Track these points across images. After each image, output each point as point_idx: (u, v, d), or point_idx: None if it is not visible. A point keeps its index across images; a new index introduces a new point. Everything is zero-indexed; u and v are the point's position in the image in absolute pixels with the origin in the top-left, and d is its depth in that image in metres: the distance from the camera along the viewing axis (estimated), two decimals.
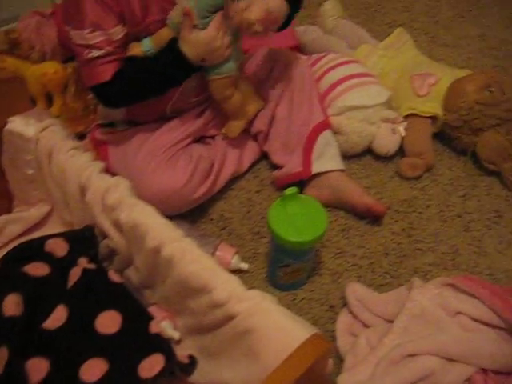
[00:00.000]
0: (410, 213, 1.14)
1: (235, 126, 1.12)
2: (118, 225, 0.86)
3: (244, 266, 1.03)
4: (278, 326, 0.69)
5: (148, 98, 1.02)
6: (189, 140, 1.12)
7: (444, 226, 1.12)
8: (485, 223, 1.13)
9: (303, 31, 1.46)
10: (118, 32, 0.94)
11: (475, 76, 1.23)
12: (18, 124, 0.97)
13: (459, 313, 0.85)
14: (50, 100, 1.30)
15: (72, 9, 0.93)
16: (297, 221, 0.90)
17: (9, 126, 0.97)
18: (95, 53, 0.94)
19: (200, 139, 1.17)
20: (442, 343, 0.81)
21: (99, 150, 1.14)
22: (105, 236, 0.91)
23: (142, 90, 1.00)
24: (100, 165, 0.93)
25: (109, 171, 1.07)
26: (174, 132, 1.10)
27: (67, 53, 1.36)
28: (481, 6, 1.68)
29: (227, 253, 1.02)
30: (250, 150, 1.21)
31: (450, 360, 0.81)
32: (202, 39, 0.94)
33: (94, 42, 0.93)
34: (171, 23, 0.98)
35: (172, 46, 0.96)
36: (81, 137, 1.22)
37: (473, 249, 1.08)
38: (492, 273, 1.05)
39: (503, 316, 0.82)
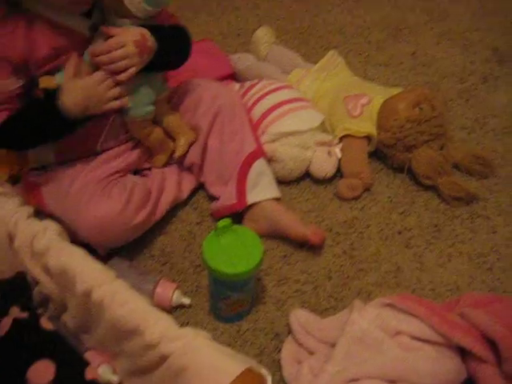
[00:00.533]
0: (351, 234, 1.15)
1: (158, 160, 1.14)
2: (47, 270, 0.84)
3: (186, 300, 1.01)
4: (210, 363, 0.67)
5: (40, 143, 1.02)
6: (123, 173, 1.11)
7: (385, 245, 1.13)
8: (425, 238, 1.14)
9: (237, 59, 1.47)
10: (12, 83, 0.94)
11: (405, 94, 1.25)
12: None
13: (399, 332, 0.85)
14: None
15: None
16: (231, 252, 0.89)
17: None
18: None
19: (136, 172, 1.16)
20: (382, 365, 0.81)
21: (33, 193, 1.10)
22: (37, 282, 0.88)
23: (28, 138, 1.00)
24: (28, 210, 0.90)
25: (45, 212, 1.06)
26: (107, 165, 1.08)
27: None
28: (410, 25, 1.72)
29: (168, 289, 1.00)
30: (188, 178, 1.20)
31: (392, 382, 0.81)
32: (80, 85, 0.94)
33: None
34: (86, 59, 0.97)
35: (50, 94, 0.95)
36: (14, 182, 1.19)
37: (414, 265, 1.09)
38: (434, 287, 1.06)
39: (441, 331, 0.83)
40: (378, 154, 1.29)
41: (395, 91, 1.30)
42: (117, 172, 1.08)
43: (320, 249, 1.11)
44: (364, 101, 1.27)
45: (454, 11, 1.79)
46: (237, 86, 1.34)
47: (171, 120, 1.11)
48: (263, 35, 1.51)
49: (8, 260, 0.90)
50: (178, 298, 1.00)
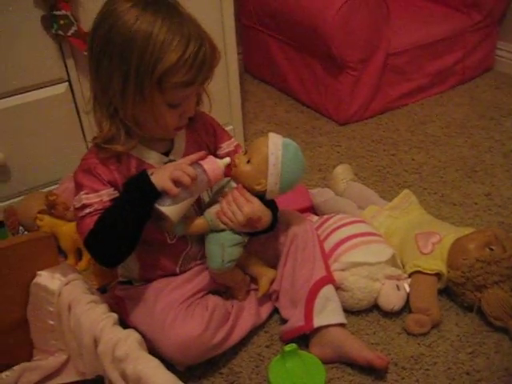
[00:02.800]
0: (417, 370, 1.14)
1: (239, 295, 1.23)
2: (124, 377, 0.91)
3: None
4: None
5: (131, 235, 1.05)
6: (203, 292, 1.20)
7: None
8: (494, 382, 1.12)
9: (316, 193, 1.57)
10: (109, 194, 1.06)
11: (476, 234, 1.29)
12: (44, 278, 1.07)
13: None
14: (79, 254, 1.42)
15: (75, 186, 1.08)
16: (296, 377, 0.93)
17: (36, 280, 1.08)
18: (86, 210, 1.04)
19: (215, 292, 1.24)
20: None
21: (119, 305, 1.21)
22: None
23: (118, 223, 1.03)
24: (114, 317, 1.00)
25: (129, 325, 1.14)
26: (188, 285, 1.18)
27: None
28: (486, 166, 1.78)
29: None
30: (267, 303, 1.27)
31: None
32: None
33: (87, 202, 1.04)
34: (208, 215, 1.11)
35: (141, 178, 1.04)
36: (103, 291, 1.32)
37: None
38: None
39: None
40: (448, 292, 1.30)
41: (467, 231, 1.34)
42: (198, 291, 1.18)
43: (385, 382, 1.12)
44: (435, 239, 1.32)
45: None
46: (315, 218, 1.44)
47: (251, 263, 1.23)
48: (342, 172, 1.62)
49: (92, 363, 0.98)
50: None
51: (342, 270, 1.25)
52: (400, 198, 1.49)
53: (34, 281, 1.08)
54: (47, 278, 1.07)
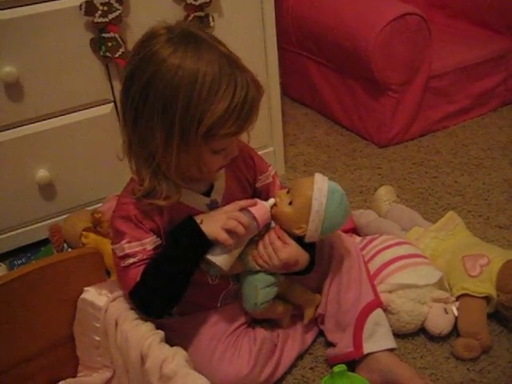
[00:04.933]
0: None
1: (282, 322, 1.22)
2: None
3: None
4: None
5: (180, 286, 1.02)
6: (248, 323, 1.18)
7: None
8: None
9: (359, 214, 1.56)
10: (152, 242, 1.02)
11: None
12: (91, 294, 1.08)
13: None
14: None
15: (113, 231, 1.05)
16: None
17: (83, 295, 1.09)
18: (130, 260, 1.01)
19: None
20: None
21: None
22: None
23: (167, 275, 1.01)
24: (161, 334, 1.00)
25: None
26: (232, 317, 1.16)
27: None
28: None
29: None
30: (312, 328, 1.25)
31: None
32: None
33: (129, 251, 1.01)
34: (244, 256, 1.09)
35: (189, 225, 1.01)
36: None
37: None
38: None
39: None
40: (498, 316, 1.26)
41: None
42: (242, 324, 1.16)
43: None
44: (483, 261, 1.28)
45: None
46: (358, 238, 1.42)
47: (294, 291, 1.20)
48: (385, 193, 1.61)
49: (138, 380, 0.98)
50: None
51: (389, 291, 1.22)
52: (445, 219, 1.46)
53: (81, 297, 1.09)
54: (94, 294, 1.08)
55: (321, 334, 1.26)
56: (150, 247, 1.02)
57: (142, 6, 1.44)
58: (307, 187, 1.07)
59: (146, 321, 1.03)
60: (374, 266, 1.29)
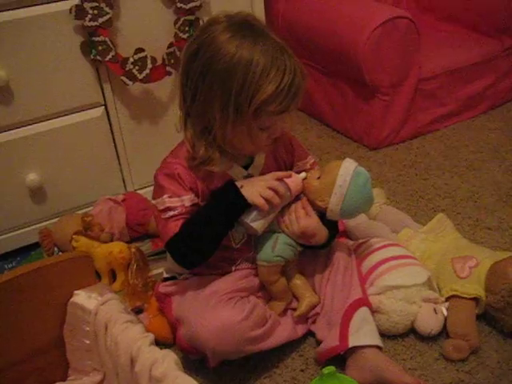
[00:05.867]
0: None
1: (276, 306, 1.23)
2: None
3: None
4: None
5: (215, 242, 1.12)
6: (247, 293, 1.20)
7: None
8: None
9: None
10: (190, 200, 1.12)
11: None
12: (81, 297, 1.09)
13: None
14: (113, 276, 1.43)
15: (155, 187, 1.15)
16: None
17: (73, 299, 1.09)
18: (170, 213, 1.11)
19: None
20: None
21: (164, 303, 1.24)
22: None
23: (205, 231, 1.11)
24: (151, 337, 1.00)
25: (169, 321, 1.21)
26: (234, 282, 1.19)
27: (133, 234, 1.52)
28: None
29: None
30: (302, 323, 1.26)
31: None
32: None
33: (170, 204, 1.11)
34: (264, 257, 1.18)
35: (229, 189, 1.11)
36: (138, 311, 1.32)
37: None
38: None
39: None
40: (487, 317, 1.27)
41: (504, 255, 1.31)
42: (242, 290, 1.19)
43: None
44: (472, 263, 1.29)
45: None
46: (350, 242, 1.43)
47: (297, 284, 1.24)
48: (375, 195, 1.60)
49: (128, 382, 0.98)
50: None
51: (378, 293, 1.23)
52: (435, 221, 1.47)
53: (71, 300, 1.09)
54: (84, 298, 1.08)
55: (311, 335, 1.26)
56: (188, 204, 1.12)
57: (132, 9, 1.45)
58: (335, 166, 1.19)
59: (136, 324, 1.03)
60: (364, 268, 1.30)
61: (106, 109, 1.54)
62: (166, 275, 1.26)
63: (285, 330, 1.21)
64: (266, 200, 1.10)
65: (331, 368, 0.94)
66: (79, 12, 1.36)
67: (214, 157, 1.10)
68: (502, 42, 2.13)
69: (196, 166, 1.12)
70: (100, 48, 1.41)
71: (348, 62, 1.91)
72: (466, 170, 1.88)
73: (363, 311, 1.17)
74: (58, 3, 1.37)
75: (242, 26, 1.05)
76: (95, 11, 1.37)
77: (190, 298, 1.17)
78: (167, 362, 0.92)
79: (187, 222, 1.11)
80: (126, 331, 1.01)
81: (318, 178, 1.19)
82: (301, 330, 1.25)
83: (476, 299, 1.25)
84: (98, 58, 1.42)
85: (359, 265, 1.30)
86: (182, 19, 1.50)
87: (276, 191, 1.11)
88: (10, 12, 1.33)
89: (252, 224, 1.12)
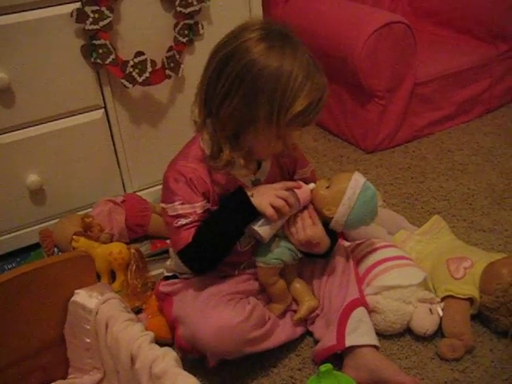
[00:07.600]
0: None
1: (276, 308, 1.24)
2: None
3: None
4: None
5: (226, 249, 1.15)
6: (247, 295, 1.22)
7: None
8: None
9: None
10: (202, 206, 1.13)
11: (510, 259, 1.29)
12: (82, 296, 1.10)
13: None
14: (113, 276, 1.44)
15: (166, 191, 1.15)
16: None
17: (74, 298, 1.10)
18: (183, 221, 1.12)
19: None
20: None
21: (164, 302, 1.25)
22: None
23: (217, 240, 1.13)
24: (151, 335, 1.01)
25: (169, 322, 1.22)
26: (235, 284, 1.21)
27: (132, 235, 1.53)
28: None
29: None
30: (301, 325, 1.28)
31: None
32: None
33: (182, 212, 1.12)
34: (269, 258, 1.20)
35: (238, 197, 1.13)
36: (137, 311, 1.34)
37: None
38: None
39: None
40: (481, 317, 1.29)
41: (498, 256, 1.33)
42: (243, 292, 1.21)
43: None
44: (467, 264, 1.31)
45: None
46: (347, 243, 1.45)
47: (297, 287, 1.26)
48: None
49: (128, 380, 1.00)
50: None
51: (375, 294, 1.25)
52: (430, 223, 1.49)
53: (72, 299, 1.10)
54: (85, 297, 1.10)
55: (308, 334, 1.28)
56: (200, 211, 1.13)
57: (132, 13, 1.46)
58: (345, 178, 1.22)
59: (136, 322, 1.04)
60: (361, 269, 1.32)
61: (106, 111, 1.55)
62: (166, 274, 1.27)
63: (284, 331, 1.23)
64: (276, 209, 1.12)
65: (328, 365, 0.95)
66: (80, 15, 1.37)
67: (238, 160, 1.10)
68: (496, 47, 2.16)
69: (216, 167, 1.12)
70: (100, 51, 1.43)
71: (344, 66, 1.93)
72: (461, 173, 1.91)
73: (360, 311, 1.19)
74: (60, 7, 1.38)
75: (280, 36, 1.07)
76: (96, 15, 1.38)
77: (190, 297, 1.18)
78: (167, 359, 0.94)
79: (199, 232, 1.12)
80: (127, 329, 1.02)
81: (327, 187, 1.20)
82: (299, 330, 1.27)
83: (470, 299, 1.27)
84: (99, 61, 1.44)
85: (356, 265, 1.32)
86: (181, 23, 1.52)
87: (286, 201, 1.13)
88: (11, 15, 1.34)
89: (260, 231, 1.14)
